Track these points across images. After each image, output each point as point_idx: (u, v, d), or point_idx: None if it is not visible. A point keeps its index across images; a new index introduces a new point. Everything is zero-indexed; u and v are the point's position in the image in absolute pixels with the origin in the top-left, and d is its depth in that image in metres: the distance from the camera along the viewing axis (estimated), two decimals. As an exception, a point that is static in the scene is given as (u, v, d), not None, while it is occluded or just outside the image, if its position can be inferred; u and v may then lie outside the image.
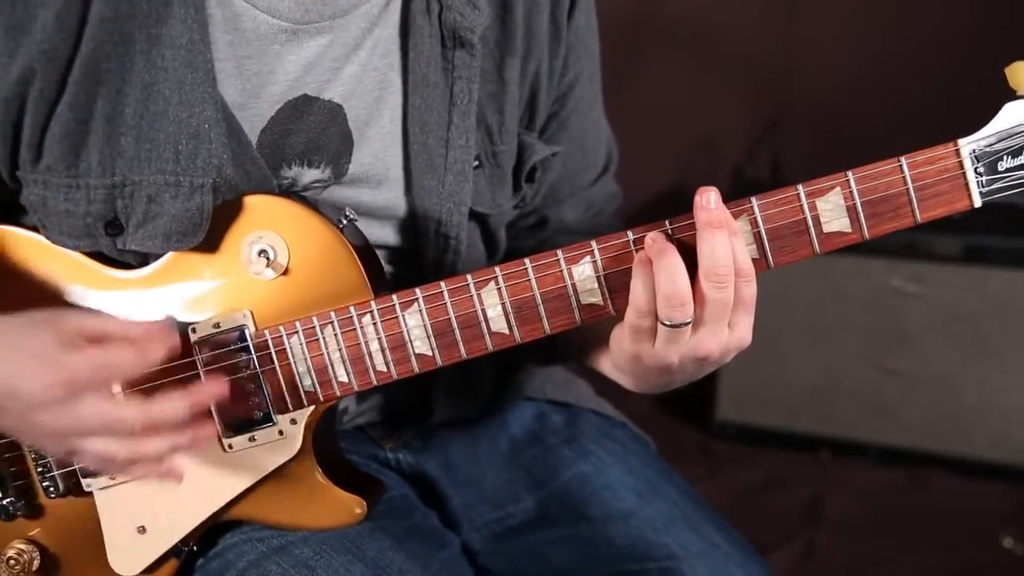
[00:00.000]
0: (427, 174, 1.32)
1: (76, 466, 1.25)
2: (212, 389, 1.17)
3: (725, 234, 1.08)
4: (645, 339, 1.12)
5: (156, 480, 1.16)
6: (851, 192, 1.11)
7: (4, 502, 1.27)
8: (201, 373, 1.22)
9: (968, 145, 1.09)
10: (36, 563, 1.29)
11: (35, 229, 1.26)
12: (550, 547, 1.46)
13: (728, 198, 1.13)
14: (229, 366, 1.22)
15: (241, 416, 1.23)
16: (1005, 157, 1.09)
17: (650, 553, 1.40)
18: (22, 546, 1.28)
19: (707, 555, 1.40)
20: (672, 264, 1.08)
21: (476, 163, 1.35)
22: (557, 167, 1.48)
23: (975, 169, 1.09)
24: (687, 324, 1.09)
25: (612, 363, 1.23)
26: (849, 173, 1.11)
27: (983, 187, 1.10)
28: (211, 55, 1.20)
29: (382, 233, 1.35)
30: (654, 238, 1.11)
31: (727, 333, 1.11)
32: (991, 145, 1.09)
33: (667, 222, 1.12)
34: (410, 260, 1.35)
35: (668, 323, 1.09)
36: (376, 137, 1.31)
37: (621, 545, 1.42)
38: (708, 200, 1.08)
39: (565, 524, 1.46)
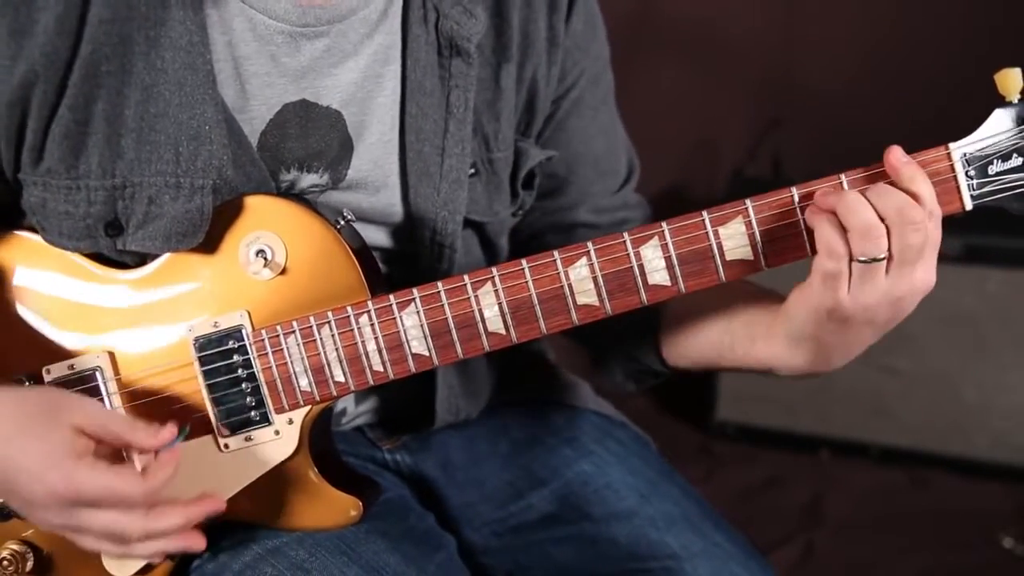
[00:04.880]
0: (423, 182, 1.32)
1: None
2: (208, 507, 1.17)
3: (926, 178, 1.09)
4: (841, 284, 1.10)
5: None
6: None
7: (-1, 502, 1.27)
8: (198, 374, 1.23)
9: (959, 149, 1.11)
10: (30, 563, 1.28)
11: (33, 231, 1.26)
12: (553, 546, 1.47)
13: (728, 198, 1.14)
14: (226, 365, 1.22)
15: (237, 416, 1.23)
16: (995, 161, 1.11)
17: (652, 552, 1.41)
18: (16, 547, 1.28)
19: (709, 554, 1.40)
20: (858, 200, 1.08)
21: (472, 171, 1.35)
22: (564, 171, 1.47)
23: (966, 172, 1.11)
24: (882, 259, 1.09)
25: (787, 337, 1.20)
26: (842, 175, 1.12)
27: (974, 190, 1.12)
28: (210, 56, 1.20)
29: (378, 236, 1.35)
30: (822, 190, 1.11)
31: (919, 271, 1.11)
32: (981, 149, 1.11)
33: (842, 176, 1.13)
34: (406, 264, 1.36)
35: (863, 259, 1.08)
36: (375, 144, 1.31)
37: (623, 544, 1.42)
38: (900, 155, 1.09)
39: (568, 523, 1.46)
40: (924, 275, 1.11)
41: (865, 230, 1.07)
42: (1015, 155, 1.11)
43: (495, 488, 1.51)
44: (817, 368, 1.21)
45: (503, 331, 1.19)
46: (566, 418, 1.57)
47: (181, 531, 1.15)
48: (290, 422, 1.23)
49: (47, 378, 1.25)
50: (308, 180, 1.30)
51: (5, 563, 1.28)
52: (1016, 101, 1.10)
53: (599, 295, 1.17)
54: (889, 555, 2.74)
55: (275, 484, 1.25)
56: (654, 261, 1.16)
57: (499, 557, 1.49)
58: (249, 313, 1.22)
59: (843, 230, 1.08)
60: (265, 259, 1.21)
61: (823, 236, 1.10)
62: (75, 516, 1.11)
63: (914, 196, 1.08)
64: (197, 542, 1.17)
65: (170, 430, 1.14)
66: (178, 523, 1.13)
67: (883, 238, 1.08)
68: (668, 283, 1.16)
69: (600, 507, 1.45)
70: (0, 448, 1.12)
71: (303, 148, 1.28)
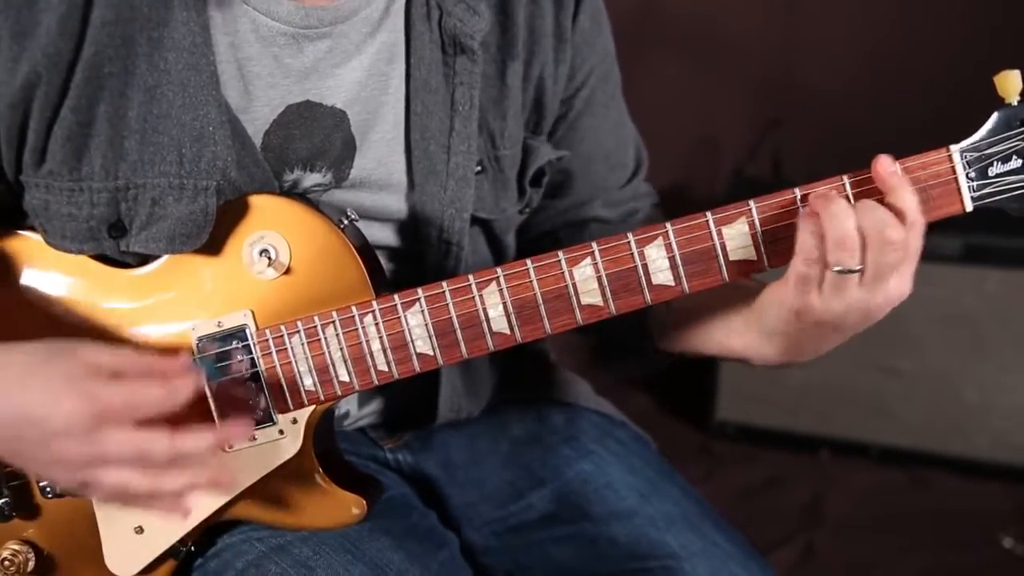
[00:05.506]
0: (429, 180, 1.32)
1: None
2: (239, 431, 1.16)
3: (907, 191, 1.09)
4: (812, 289, 1.12)
5: (163, 513, 1.14)
6: (847, 195, 1.12)
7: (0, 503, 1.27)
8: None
9: (960, 151, 1.12)
10: (31, 564, 1.28)
11: (34, 231, 1.26)
12: (552, 545, 1.47)
13: (728, 197, 1.15)
14: (230, 365, 1.22)
15: (242, 415, 1.23)
16: (995, 163, 1.12)
17: (651, 552, 1.41)
18: (17, 547, 1.28)
19: (708, 554, 1.40)
20: (842, 210, 1.08)
21: (479, 168, 1.36)
22: (577, 169, 1.48)
23: (967, 174, 1.12)
24: (857, 271, 1.09)
25: (761, 331, 1.22)
26: (845, 177, 1.13)
27: (974, 192, 1.13)
28: (214, 58, 1.21)
29: (383, 235, 1.35)
30: (818, 193, 1.12)
31: (894, 282, 1.11)
32: (982, 151, 1.12)
33: (845, 177, 1.13)
34: (411, 262, 1.36)
35: (838, 269, 1.09)
36: (379, 143, 1.31)
37: (623, 544, 1.42)
38: (887, 164, 1.10)
39: (567, 523, 1.46)
40: (898, 287, 1.12)
41: (840, 241, 1.08)
42: (1015, 157, 1.12)
43: (495, 488, 1.51)
44: (789, 360, 1.23)
45: (508, 331, 1.19)
46: (566, 417, 1.57)
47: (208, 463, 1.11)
48: (294, 421, 1.23)
49: (49, 377, 1.25)
50: (311, 179, 1.30)
51: (6, 563, 1.27)
52: (1016, 103, 1.11)
53: (603, 295, 1.17)
54: (889, 555, 2.74)
55: (279, 483, 1.25)
56: (658, 261, 1.16)
57: (499, 557, 1.49)
58: (253, 312, 1.22)
59: (822, 237, 1.09)
60: (269, 259, 1.21)
61: (802, 240, 1.11)
62: (96, 441, 1.07)
63: (898, 208, 1.09)
64: (222, 477, 1.13)
65: (184, 356, 1.14)
66: (207, 443, 1.09)
67: (857, 251, 1.09)
68: (672, 283, 1.17)
69: (600, 506, 1.45)
70: (18, 384, 1.09)
71: (307, 148, 1.28)
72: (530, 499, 1.49)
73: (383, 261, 1.30)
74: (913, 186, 1.10)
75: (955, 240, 2.89)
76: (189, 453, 1.09)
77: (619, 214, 1.52)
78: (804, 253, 1.11)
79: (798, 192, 1.14)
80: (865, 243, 1.08)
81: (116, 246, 1.22)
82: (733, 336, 1.27)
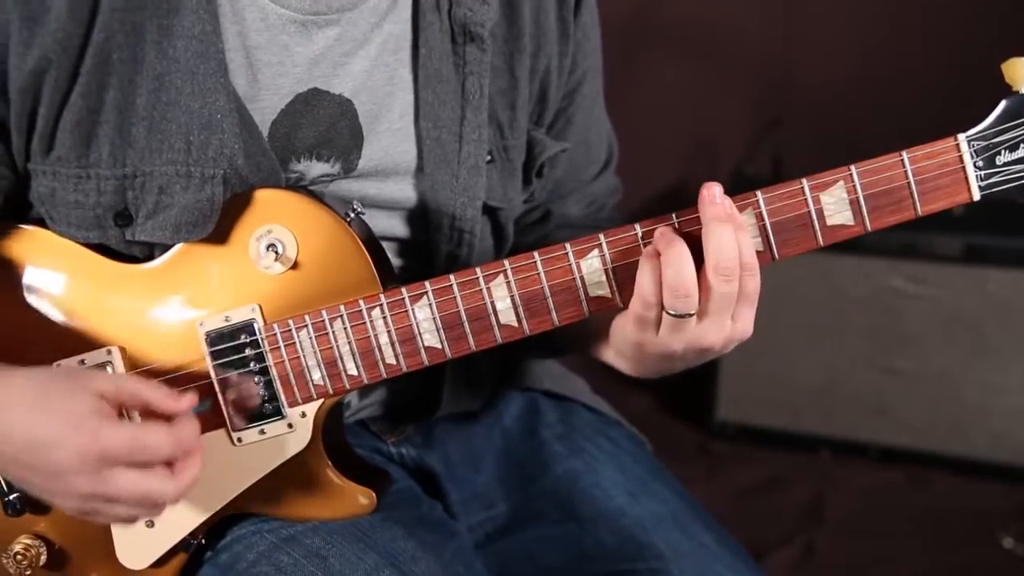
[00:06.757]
0: (441, 168, 1.33)
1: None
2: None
3: (731, 228, 1.10)
4: (649, 328, 1.15)
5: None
6: (854, 186, 1.13)
7: (11, 498, 1.27)
8: (210, 368, 1.23)
9: (967, 140, 1.12)
10: (43, 558, 1.29)
11: (41, 223, 1.26)
12: (538, 546, 1.46)
13: (731, 196, 1.15)
14: (238, 360, 1.23)
15: (251, 410, 1.24)
16: (1003, 151, 1.12)
17: (639, 553, 1.40)
18: (28, 541, 1.28)
19: (696, 556, 1.39)
20: (679, 255, 1.10)
21: (488, 158, 1.36)
22: (563, 163, 1.49)
23: (974, 163, 1.12)
24: (691, 315, 1.11)
25: (614, 350, 1.26)
26: (852, 167, 1.13)
27: (982, 181, 1.13)
28: (222, 46, 1.21)
29: (389, 225, 1.36)
30: (662, 231, 1.13)
31: (730, 325, 1.14)
32: (989, 139, 1.12)
33: (674, 215, 1.15)
34: (421, 253, 1.36)
35: (673, 313, 1.11)
36: (386, 132, 1.32)
37: (609, 545, 1.42)
38: (714, 195, 1.11)
39: (554, 523, 1.46)
40: (741, 325, 1.15)
41: (676, 287, 1.10)
42: (1023, 146, 1.12)
43: (484, 487, 1.51)
44: (645, 376, 1.27)
45: (515, 323, 1.20)
46: (560, 413, 1.57)
47: None
48: (303, 415, 1.24)
49: (58, 373, 1.25)
50: (319, 169, 1.30)
51: (19, 557, 1.28)
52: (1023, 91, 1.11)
53: (611, 287, 1.17)
54: (889, 555, 2.74)
55: (288, 477, 1.25)
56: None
57: (489, 557, 1.49)
58: (260, 307, 1.23)
59: (660, 281, 1.11)
60: (276, 253, 1.21)
61: (640, 283, 1.13)
62: (103, 479, 1.08)
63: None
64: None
65: (191, 396, 1.14)
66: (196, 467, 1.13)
67: (692, 296, 1.10)
68: None
69: (587, 506, 1.45)
70: (22, 417, 1.10)
71: (313, 136, 1.28)
72: (516, 498, 1.49)
73: (393, 252, 1.31)
74: (916, 177, 1.11)
75: (956, 240, 2.89)
76: (192, 484, 1.13)
77: (585, 210, 1.54)
78: (641, 297, 1.13)
79: (806, 183, 1.14)
80: (702, 288, 1.10)
81: (121, 235, 1.23)
82: (599, 348, 1.31)
